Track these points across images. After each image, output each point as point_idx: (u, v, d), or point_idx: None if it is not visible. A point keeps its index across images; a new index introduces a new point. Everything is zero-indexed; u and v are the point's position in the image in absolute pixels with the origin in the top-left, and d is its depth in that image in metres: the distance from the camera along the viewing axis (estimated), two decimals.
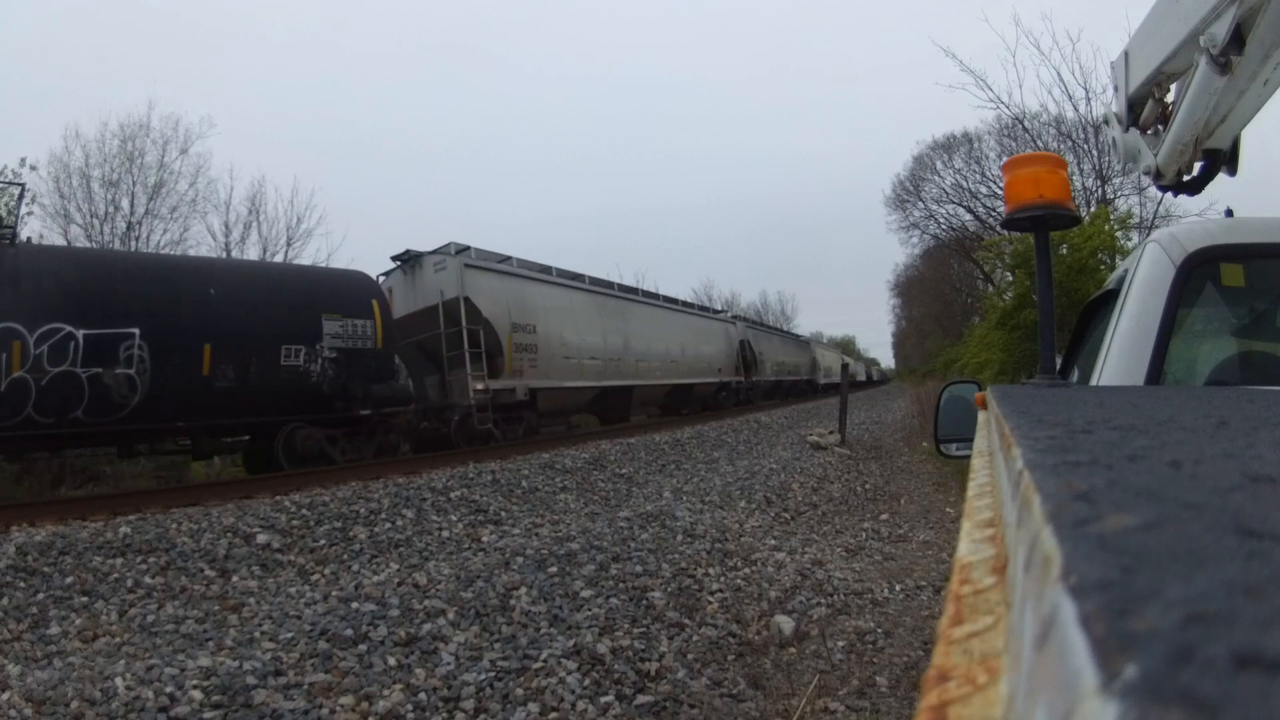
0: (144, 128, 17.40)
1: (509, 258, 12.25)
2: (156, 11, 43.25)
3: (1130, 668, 0.15)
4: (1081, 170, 19.46)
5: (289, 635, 3.44)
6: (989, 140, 24.37)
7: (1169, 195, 2.78)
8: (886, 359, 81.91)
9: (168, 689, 2.86)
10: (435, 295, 10.30)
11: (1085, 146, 19.45)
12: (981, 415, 1.15)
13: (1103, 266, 11.11)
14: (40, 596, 4.06)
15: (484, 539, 5.54)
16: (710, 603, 4.03)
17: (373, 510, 5.87)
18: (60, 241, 14.78)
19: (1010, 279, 16.01)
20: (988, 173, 24.73)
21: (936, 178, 27.72)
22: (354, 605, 3.75)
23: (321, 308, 8.58)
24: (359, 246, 55.37)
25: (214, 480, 8.52)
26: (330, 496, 6.22)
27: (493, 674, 3.12)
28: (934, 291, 36.57)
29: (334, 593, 4.21)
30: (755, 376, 21.68)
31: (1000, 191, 9.27)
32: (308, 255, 19.56)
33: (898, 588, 4.53)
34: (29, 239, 10.70)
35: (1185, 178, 2.18)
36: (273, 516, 5.52)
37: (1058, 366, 2.15)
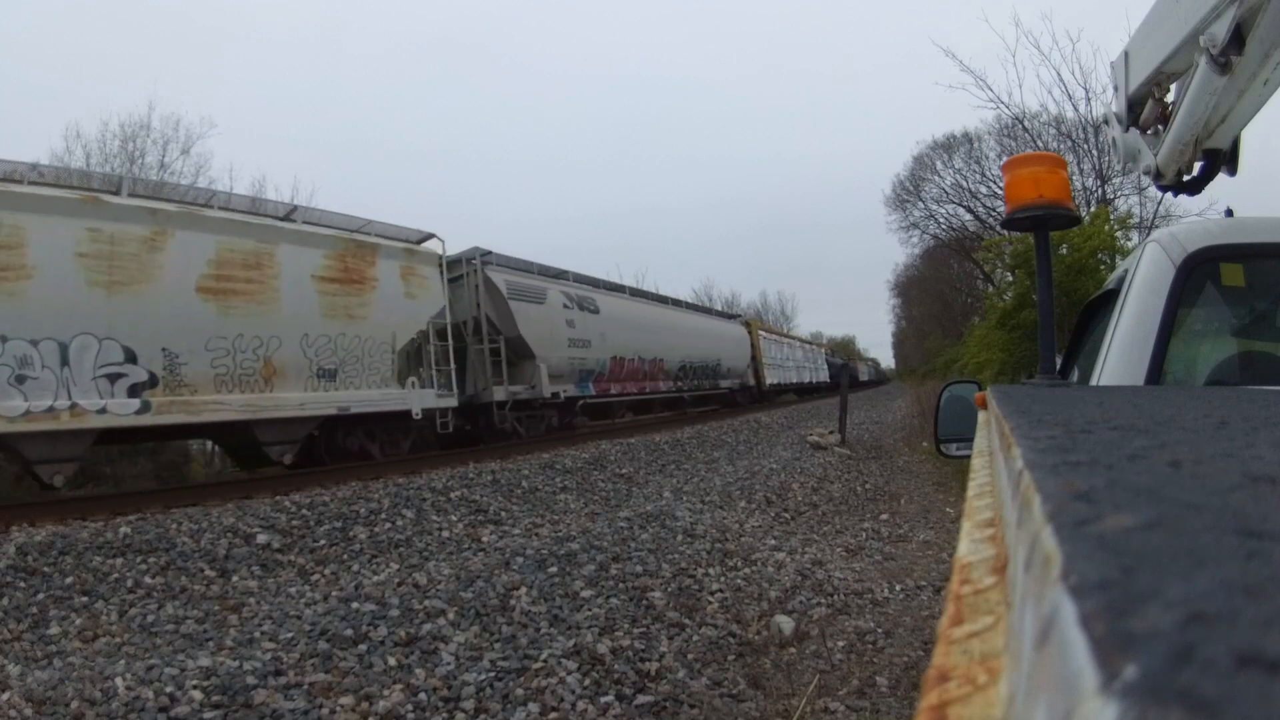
0: (145, 128, 17.46)
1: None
2: (156, 11, 43.25)
3: (1130, 668, 0.14)
4: (1081, 170, 19.47)
5: (289, 635, 3.44)
6: (989, 140, 24.40)
7: (1169, 195, 2.78)
8: (886, 359, 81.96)
9: (168, 689, 2.86)
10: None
11: (1085, 146, 19.47)
12: (981, 415, 1.15)
13: (1103, 266, 11.09)
14: (40, 596, 4.06)
15: (484, 539, 5.53)
16: (710, 603, 4.03)
17: (373, 510, 5.87)
18: None
19: (1010, 279, 16.00)
20: (988, 173, 24.75)
21: (936, 178, 27.75)
22: (354, 605, 3.75)
23: None
24: None
25: (214, 480, 8.52)
26: (330, 496, 6.22)
27: (493, 674, 3.12)
28: (934, 291, 36.56)
29: (334, 593, 4.21)
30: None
31: (1000, 191, 9.27)
32: None
33: (898, 588, 4.53)
34: None
35: (1185, 178, 2.19)
36: (273, 516, 5.52)
37: (1058, 366, 2.15)
